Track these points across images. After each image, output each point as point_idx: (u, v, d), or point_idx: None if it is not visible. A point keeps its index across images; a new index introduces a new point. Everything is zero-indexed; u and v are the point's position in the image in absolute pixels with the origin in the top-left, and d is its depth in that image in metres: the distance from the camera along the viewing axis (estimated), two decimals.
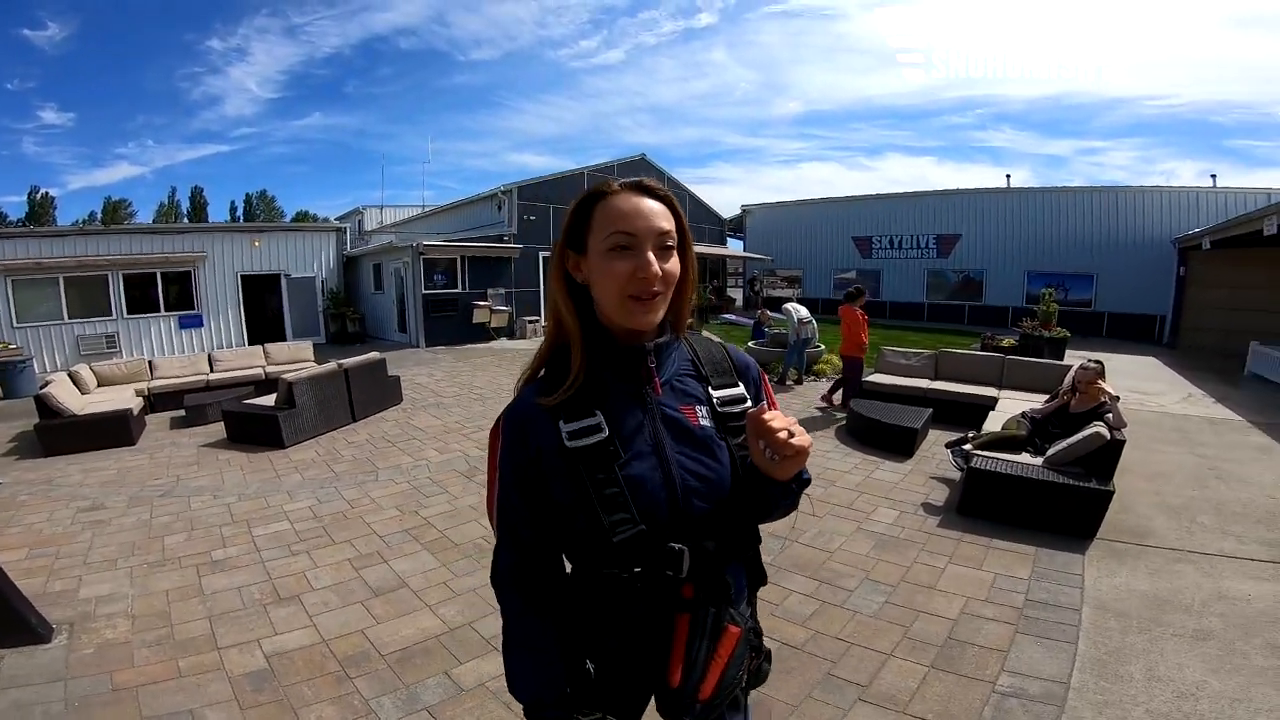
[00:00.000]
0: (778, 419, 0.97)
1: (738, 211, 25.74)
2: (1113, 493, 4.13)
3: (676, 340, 1.15)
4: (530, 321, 15.90)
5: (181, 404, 7.86)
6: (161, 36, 78.26)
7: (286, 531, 4.23)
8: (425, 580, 3.54)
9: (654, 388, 1.10)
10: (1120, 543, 4.04)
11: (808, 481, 1.11)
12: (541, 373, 1.14)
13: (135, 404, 7.13)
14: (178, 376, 8.78)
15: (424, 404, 8.25)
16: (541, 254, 16.45)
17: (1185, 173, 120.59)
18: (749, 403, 1.16)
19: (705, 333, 1.24)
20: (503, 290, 15.68)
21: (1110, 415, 4.67)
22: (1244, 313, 14.37)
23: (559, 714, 1.08)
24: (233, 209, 58.06)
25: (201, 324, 13.87)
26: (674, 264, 1.05)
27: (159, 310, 13.38)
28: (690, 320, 1.18)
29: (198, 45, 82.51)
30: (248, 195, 59.83)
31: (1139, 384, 9.96)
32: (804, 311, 9.10)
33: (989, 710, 2.46)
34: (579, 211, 1.07)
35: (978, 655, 2.83)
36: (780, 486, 1.05)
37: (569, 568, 1.17)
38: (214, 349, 12.29)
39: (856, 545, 3.91)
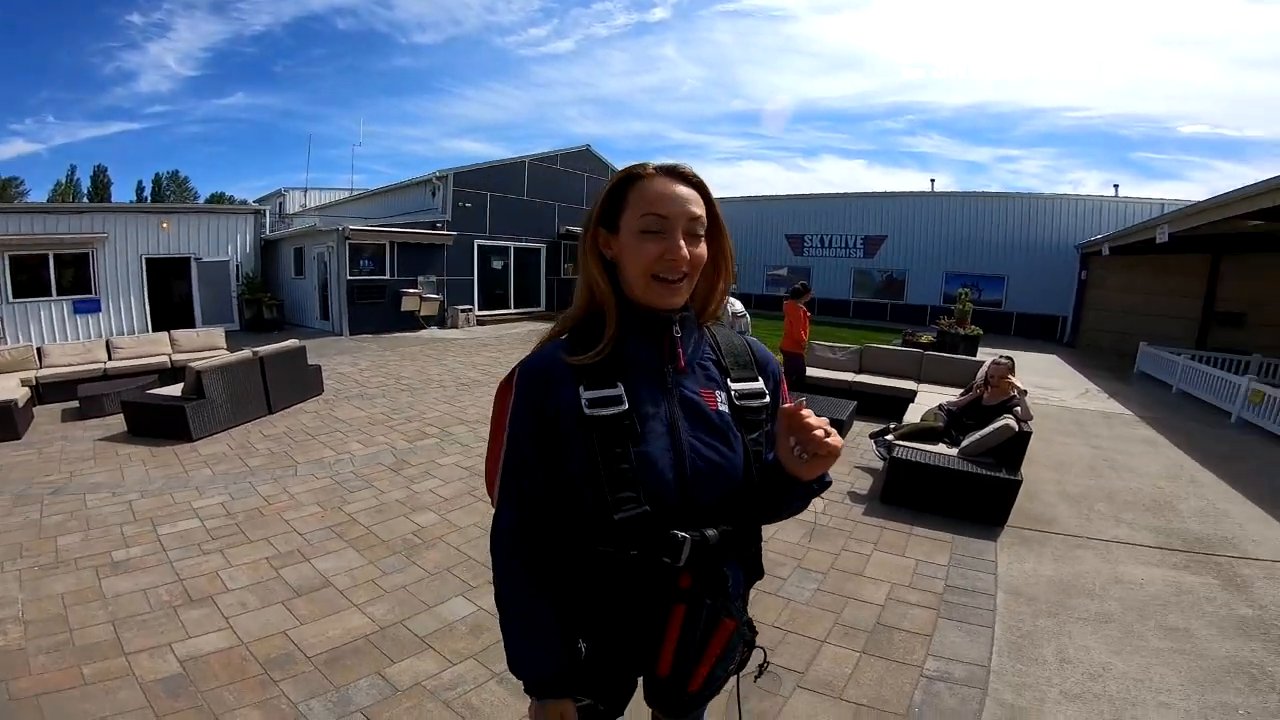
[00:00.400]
0: (813, 416, 0.97)
1: None
2: (1020, 482, 4.40)
3: (701, 325, 1.15)
4: (463, 310, 15.50)
5: (75, 395, 7.23)
6: (75, 10, 72.53)
7: (196, 530, 3.97)
8: (351, 579, 3.40)
9: (676, 365, 1.09)
10: (1028, 530, 4.32)
11: (828, 484, 1.10)
12: (565, 336, 1.12)
13: (20, 394, 6.48)
14: (70, 365, 8.06)
15: (347, 395, 7.91)
16: (477, 241, 16.08)
17: (1091, 182, 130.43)
18: (767, 398, 1.15)
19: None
20: (434, 278, 15.20)
21: (1019, 408, 4.99)
22: (1135, 315, 15.67)
23: (561, 690, 1.06)
24: (139, 190, 53.82)
25: (99, 309, 12.82)
26: (702, 249, 1.06)
27: (50, 294, 12.29)
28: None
29: (117, 19, 76.43)
30: (157, 175, 55.74)
31: (1042, 380, 10.67)
32: (738, 305, 9.23)
33: (919, 694, 2.58)
34: (614, 191, 1.08)
35: (905, 640, 2.96)
36: (801, 487, 1.05)
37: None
38: (113, 335, 11.39)
39: (788, 534, 4.01)
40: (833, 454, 0.97)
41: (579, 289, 1.13)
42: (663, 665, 1.03)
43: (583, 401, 1.02)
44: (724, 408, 1.10)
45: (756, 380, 1.16)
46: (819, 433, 0.96)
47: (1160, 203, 16.43)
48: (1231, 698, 2.64)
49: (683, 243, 1.02)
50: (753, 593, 1.19)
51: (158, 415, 6.03)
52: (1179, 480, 5.64)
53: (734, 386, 1.13)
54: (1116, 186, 19.84)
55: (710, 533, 1.03)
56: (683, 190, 1.04)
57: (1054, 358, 14.12)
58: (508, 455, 1.09)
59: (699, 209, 1.05)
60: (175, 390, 6.31)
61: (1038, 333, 18.06)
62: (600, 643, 1.09)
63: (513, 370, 1.11)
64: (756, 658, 1.17)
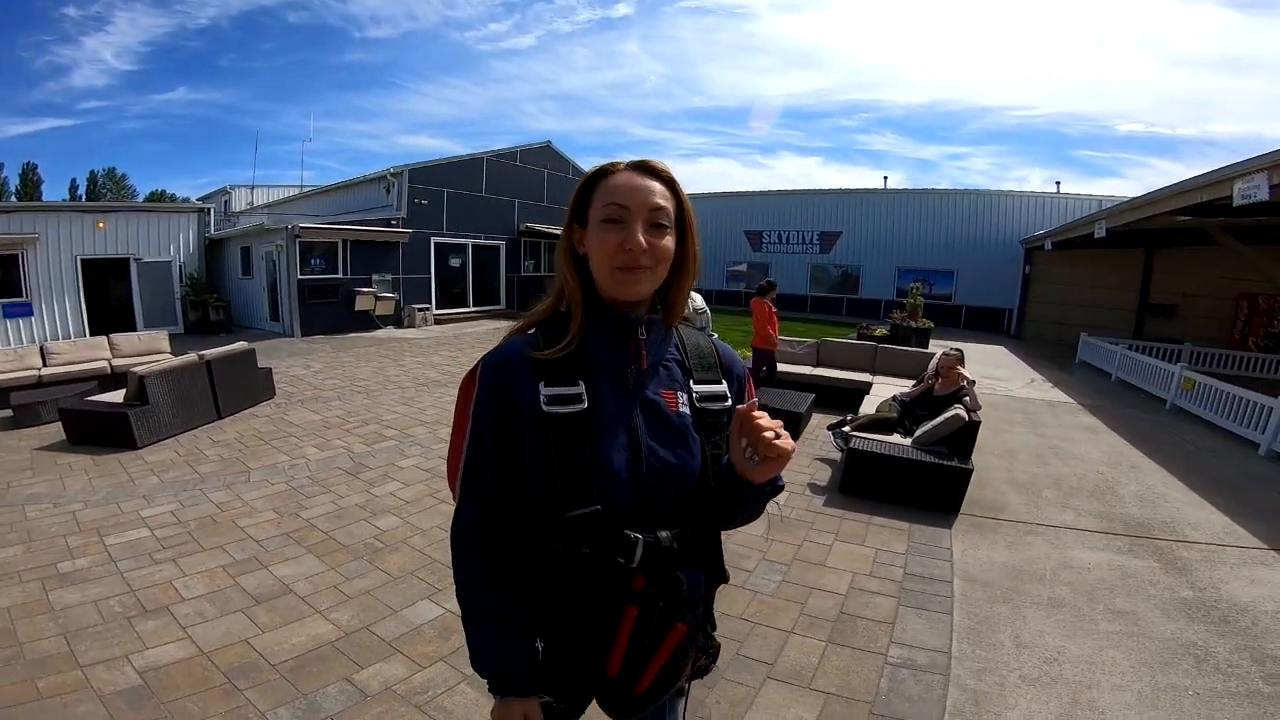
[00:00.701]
0: (765, 419, 0.97)
1: None
2: (972, 470, 4.57)
3: (669, 327, 1.15)
4: (420, 309, 15.21)
5: (8, 403, 6.88)
6: (6, 2, 68.19)
7: (146, 539, 3.83)
8: (312, 585, 3.33)
9: (640, 365, 1.09)
10: (980, 517, 4.49)
11: (780, 489, 1.12)
12: (532, 331, 1.12)
13: None
14: (1, 371, 7.67)
15: (300, 398, 7.70)
16: (434, 239, 15.80)
17: (1035, 179, 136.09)
18: (729, 401, 1.15)
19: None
20: (389, 276, 14.88)
21: (968, 398, 5.17)
22: (1076, 307, 16.39)
23: (527, 688, 1.06)
24: (73, 188, 51.41)
25: (31, 313, 12.16)
26: (667, 242, 1.06)
27: None
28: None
29: (50, 12, 72.27)
30: (92, 173, 53.33)
31: (990, 370, 11.06)
32: (699, 301, 9.30)
33: (884, 681, 2.67)
34: (584, 187, 1.09)
35: (868, 628, 3.05)
36: (753, 489, 1.06)
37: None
38: (48, 340, 10.83)
39: (752, 526, 4.06)
40: (783, 456, 0.97)
41: (553, 285, 1.14)
42: (612, 665, 1.03)
43: (542, 398, 1.02)
44: (685, 409, 1.11)
45: (720, 383, 1.16)
46: (769, 434, 0.96)
47: (1099, 199, 17.18)
48: (1180, 679, 2.77)
49: (641, 233, 1.02)
50: (719, 586, 1.20)
51: (99, 423, 5.77)
52: (1120, 466, 5.92)
53: (696, 388, 1.13)
54: (1058, 183, 20.74)
55: (664, 535, 1.03)
56: (647, 182, 1.05)
57: (1001, 349, 14.65)
58: (470, 449, 1.08)
59: (664, 201, 1.05)
60: (117, 397, 6.05)
61: (986, 325, 18.70)
62: (557, 642, 1.09)
63: (476, 364, 1.10)
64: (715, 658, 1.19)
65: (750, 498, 1.09)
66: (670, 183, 1.08)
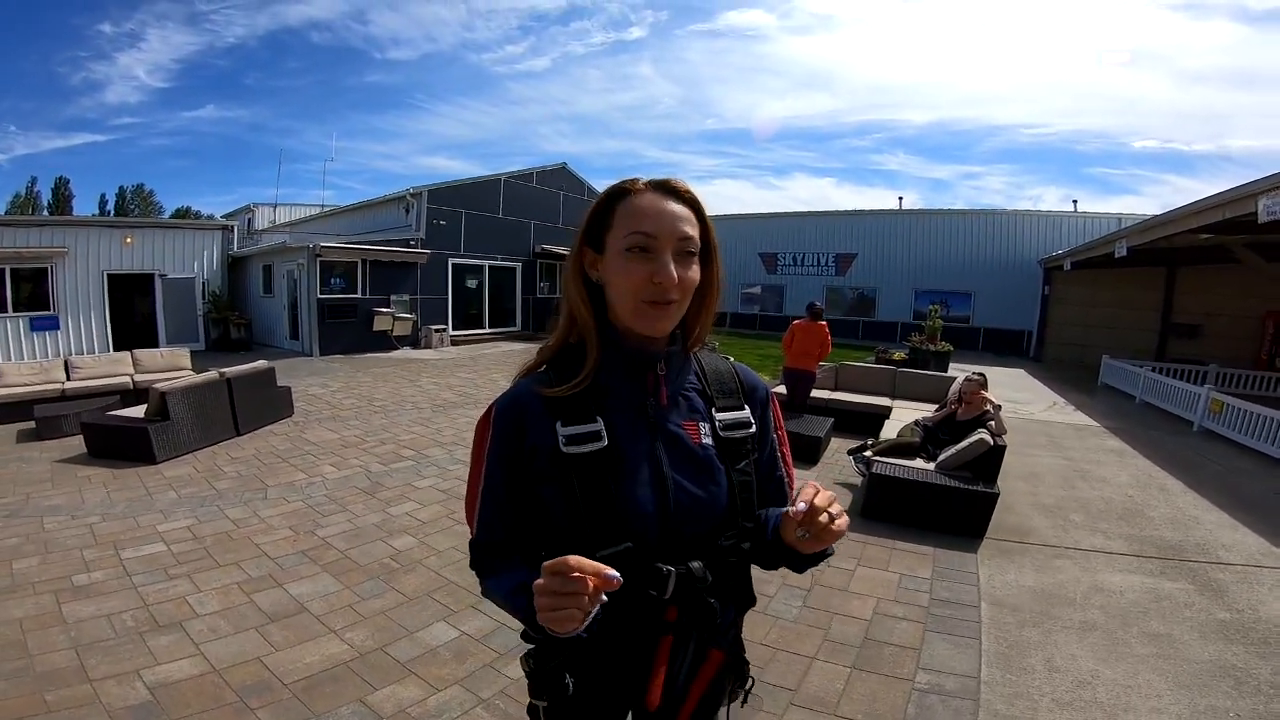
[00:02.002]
0: (822, 497, 0.91)
1: None
2: (998, 495, 4.47)
3: (688, 355, 1.11)
4: (437, 330, 15.32)
5: (31, 415, 6.97)
6: (44, 18, 71.19)
7: (162, 554, 3.83)
8: (327, 604, 3.29)
9: (659, 398, 1.05)
10: (1006, 541, 4.38)
11: (830, 554, 1.04)
12: (543, 368, 1.08)
13: None
14: (26, 384, 7.78)
15: (318, 417, 7.74)
16: (451, 260, 15.95)
17: (1050, 197, 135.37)
18: (753, 428, 1.11)
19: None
20: (407, 297, 15.03)
21: (993, 423, 5.08)
22: (1097, 328, 16.15)
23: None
24: (102, 203, 52.64)
25: (58, 326, 12.41)
26: (694, 272, 1.00)
27: (6, 310, 11.86)
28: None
29: (86, 29, 75.05)
30: (121, 189, 54.59)
31: (1011, 394, 10.89)
32: None
33: (912, 708, 2.59)
34: (600, 208, 1.02)
35: (894, 654, 2.97)
36: (801, 558, 1.02)
37: None
38: (72, 354, 11.01)
39: None
40: (836, 536, 0.92)
41: (561, 316, 1.09)
42: (652, 698, 1.00)
43: (560, 439, 0.98)
44: (707, 440, 1.06)
45: (743, 408, 1.12)
46: (824, 519, 0.90)
47: (1118, 217, 17.02)
48: (1220, 700, 2.69)
49: (671, 262, 0.96)
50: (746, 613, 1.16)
51: (119, 437, 5.83)
52: (1149, 489, 5.78)
53: (719, 417, 1.08)
54: (1075, 202, 20.68)
55: (695, 565, 1.00)
56: (674, 207, 0.98)
57: (1021, 371, 14.45)
58: (484, 495, 1.06)
59: (691, 229, 0.99)
60: (138, 412, 6.12)
61: (1004, 347, 18.48)
62: (588, 677, 1.05)
63: (490, 407, 1.07)
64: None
65: (797, 563, 1.05)
66: (695, 205, 1.02)
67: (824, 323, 7.40)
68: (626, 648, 1.02)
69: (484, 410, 1.08)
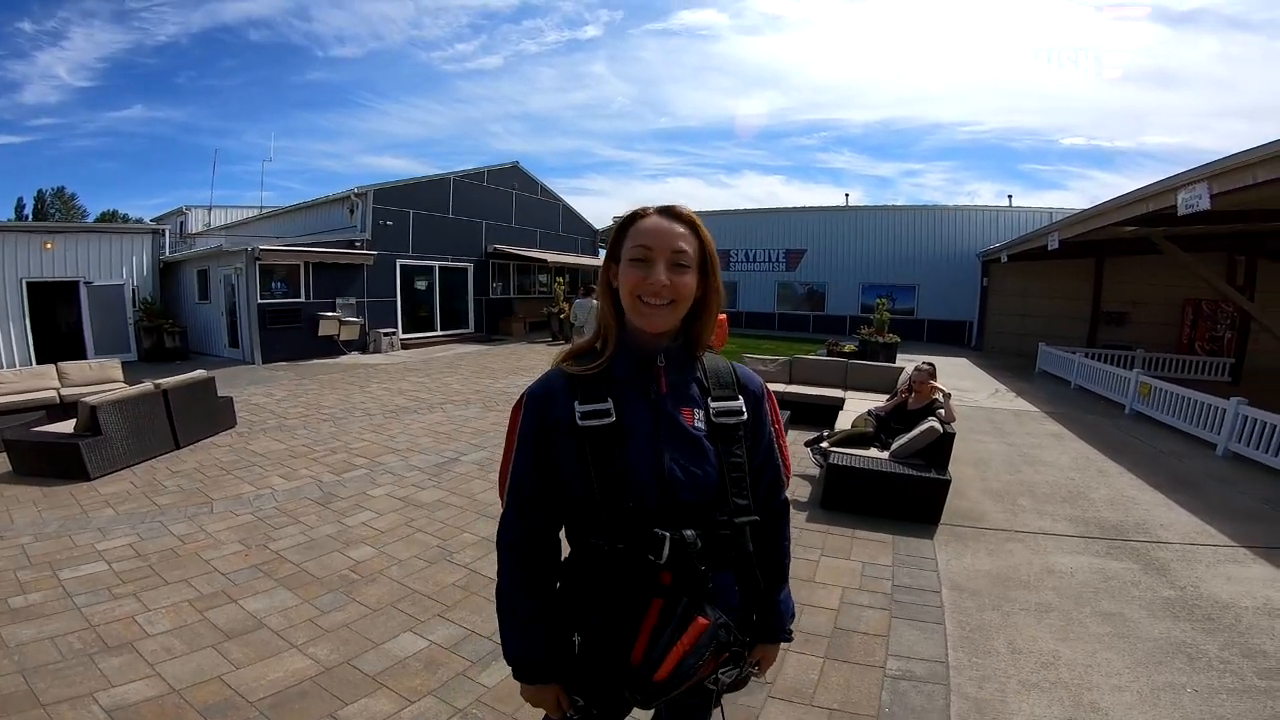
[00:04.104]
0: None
1: (610, 223, 26.04)
2: (950, 481, 4.62)
3: (691, 357, 1.28)
4: (386, 334, 14.91)
5: None
6: None
7: (103, 573, 3.63)
8: (286, 619, 3.18)
9: (660, 386, 1.23)
10: (961, 526, 4.54)
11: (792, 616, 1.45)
12: (570, 360, 1.28)
13: None
14: None
15: (263, 427, 7.44)
16: (400, 261, 15.56)
17: (986, 193, 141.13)
18: (744, 415, 1.27)
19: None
20: (354, 300, 14.57)
21: (941, 411, 5.25)
22: (1032, 317, 16.90)
23: (546, 675, 1.23)
24: (19, 207, 49.07)
25: None
26: (688, 279, 1.19)
27: None
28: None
29: (4, 27, 69.52)
30: (40, 192, 50.94)
31: (955, 382, 11.27)
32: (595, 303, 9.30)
33: (886, 695, 2.65)
34: (620, 229, 1.24)
35: (864, 642, 3.04)
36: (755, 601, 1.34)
37: (565, 547, 1.30)
38: None
39: None
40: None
41: (599, 320, 1.29)
42: (635, 653, 1.12)
43: (577, 414, 1.18)
44: (700, 424, 1.24)
45: (736, 399, 1.28)
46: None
47: (1049, 211, 17.84)
48: (1176, 677, 2.82)
49: (662, 269, 1.15)
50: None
51: (48, 454, 5.49)
52: (1088, 471, 6.07)
53: (713, 405, 1.25)
54: (1010, 197, 21.35)
55: (688, 533, 1.15)
56: (671, 226, 1.19)
57: (964, 360, 15.00)
58: (515, 469, 1.25)
59: (686, 245, 1.18)
60: (67, 427, 5.77)
61: (948, 338, 19.15)
62: (592, 636, 1.21)
63: (522, 395, 1.27)
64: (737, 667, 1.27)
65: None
66: (693, 226, 1.21)
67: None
68: (621, 607, 1.17)
69: (518, 401, 1.28)
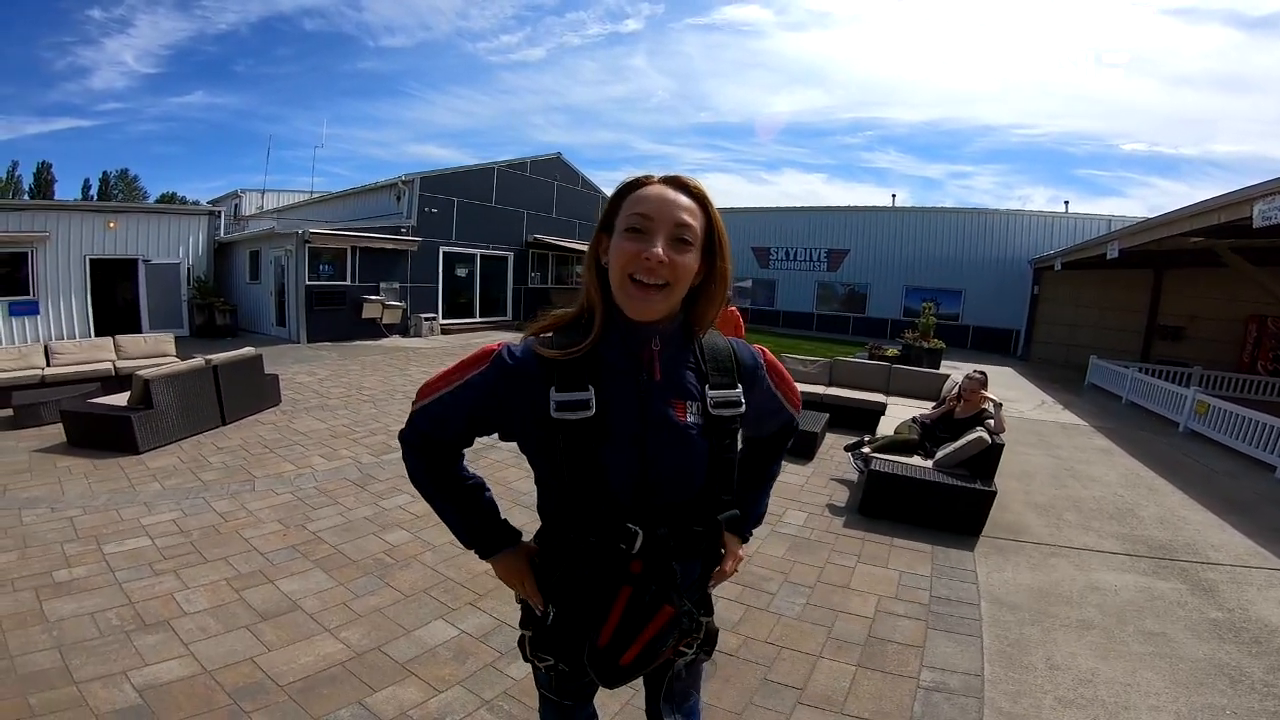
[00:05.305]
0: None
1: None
2: (995, 493, 4.47)
3: (689, 339, 1.17)
4: (426, 319, 15.16)
5: (9, 402, 6.79)
6: (31, 3, 69.21)
7: (147, 548, 3.71)
8: (320, 601, 3.21)
9: (653, 373, 1.11)
10: (1002, 539, 4.39)
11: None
12: (550, 334, 1.14)
13: None
14: (4, 370, 7.55)
15: (306, 405, 7.60)
16: (442, 248, 15.78)
17: (1038, 198, 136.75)
18: (742, 408, 1.17)
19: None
20: (397, 285, 14.83)
21: (991, 421, 5.08)
22: (1084, 328, 16.30)
23: (506, 543, 1.26)
24: (86, 188, 51.48)
25: (37, 311, 12.13)
26: (689, 259, 1.05)
27: None
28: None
29: (75, 14, 73.25)
30: (105, 174, 53.48)
31: (1001, 392, 10.88)
32: None
33: (918, 706, 2.58)
34: (616, 197, 1.09)
35: (898, 652, 2.96)
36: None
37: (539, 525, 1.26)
38: (52, 339, 10.77)
39: (772, 548, 3.99)
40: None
41: (581, 293, 1.17)
42: (603, 637, 1.10)
43: (552, 404, 1.05)
44: (693, 418, 1.13)
45: (735, 388, 1.17)
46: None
47: (1107, 219, 17.17)
48: (1217, 699, 2.72)
49: (661, 243, 1.01)
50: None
51: (101, 426, 5.67)
52: (1138, 488, 5.83)
53: (711, 395, 1.14)
54: (1067, 203, 20.79)
55: (662, 531, 1.11)
56: (677, 197, 1.05)
57: (1009, 370, 14.55)
58: (447, 400, 1.15)
59: (691, 218, 1.05)
60: (120, 400, 5.97)
61: (993, 346, 18.61)
62: (564, 609, 1.18)
63: (498, 351, 1.12)
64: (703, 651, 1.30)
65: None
66: (701, 199, 1.08)
67: (734, 309, 7.42)
68: (591, 592, 1.13)
69: (490, 346, 1.15)
